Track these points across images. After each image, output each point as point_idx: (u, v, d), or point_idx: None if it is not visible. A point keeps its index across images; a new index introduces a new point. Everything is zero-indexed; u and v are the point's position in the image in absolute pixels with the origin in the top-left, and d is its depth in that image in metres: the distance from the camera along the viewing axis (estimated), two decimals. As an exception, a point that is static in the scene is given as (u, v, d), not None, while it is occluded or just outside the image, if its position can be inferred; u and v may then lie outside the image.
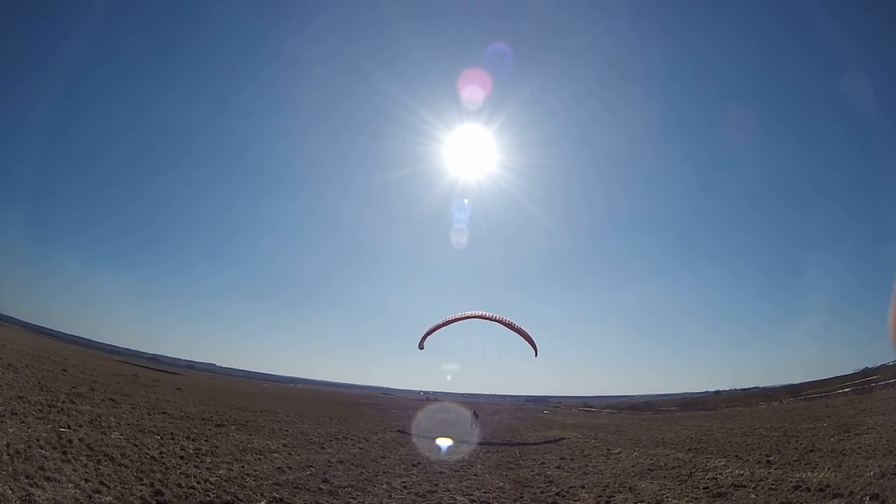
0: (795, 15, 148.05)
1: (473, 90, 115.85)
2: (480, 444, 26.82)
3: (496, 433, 35.41)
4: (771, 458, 16.33)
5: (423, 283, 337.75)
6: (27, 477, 8.26)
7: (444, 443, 14.19)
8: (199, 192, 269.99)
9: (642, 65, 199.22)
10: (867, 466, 12.85)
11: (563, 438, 30.23)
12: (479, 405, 70.84)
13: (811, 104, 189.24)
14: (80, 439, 12.25)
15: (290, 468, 14.00)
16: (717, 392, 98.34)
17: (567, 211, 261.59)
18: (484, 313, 32.40)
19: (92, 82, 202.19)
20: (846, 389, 52.02)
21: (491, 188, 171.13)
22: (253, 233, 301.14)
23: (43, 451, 10.15)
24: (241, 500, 9.78)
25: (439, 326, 32.79)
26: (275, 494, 10.68)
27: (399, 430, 31.12)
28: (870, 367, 61.67)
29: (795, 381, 71.68)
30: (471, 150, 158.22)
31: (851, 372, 64.09)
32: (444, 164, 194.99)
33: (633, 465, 17.50)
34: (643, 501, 12.00)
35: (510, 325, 32.28)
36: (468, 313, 32.47)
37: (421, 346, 33.79)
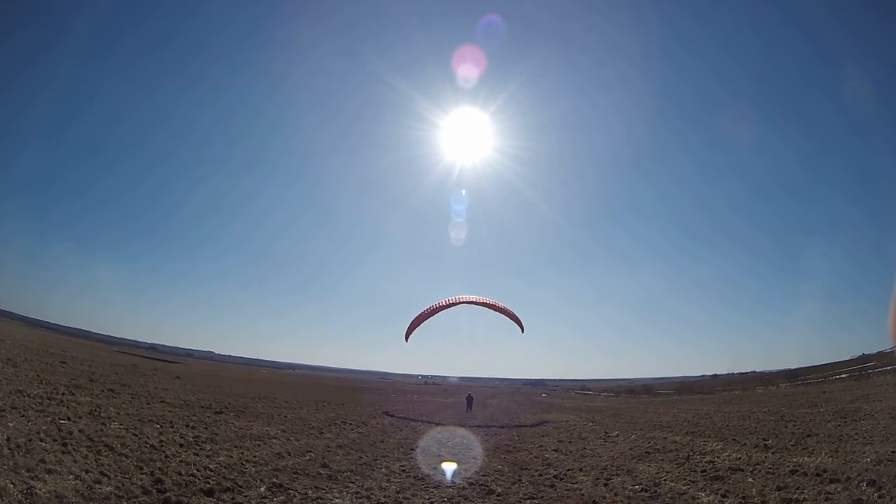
0: (794, 2, 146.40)
1: (468, 68, 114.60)
2: (479, 426, 27.03)
3: (494, 416, 35.68)
4: (768, 443, 16.44)
5: (420, 268, 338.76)
6: (28, 470, 8.25)
7: (449, 467, 14.25)
8: (194, 181, 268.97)
9: (640, 50, 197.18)
10: (864, 452, 12.92)
11: (548, 422, 30.47)
12: (477, 388, 71.34)
13: (810, 92, 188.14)
14: (80, 430, 12.25)
15: (289, 454, 14.05)
16: (715, 376, 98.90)
17: (564, 195, 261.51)
18: (467, 297, 32.55)
19: (88, 71, 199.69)
20: (843, 375, 52.26)
21: (487, 173, 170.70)
22: (249, 220, 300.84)
23: (43, 444, 10.15)
24: (241, 487, 9.79)
25: (424, 318, 32.70)
26: (274, 480, 10.70)
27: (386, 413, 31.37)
28: (867, 353, 61.87)
29: (793, 366, 71.93)
30: (467, 134, 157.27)
31: (849, 358, 64.35)
32: (441, 149, 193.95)
33: (630, 448, 17.65)
34: (641, 484, 12.07)
35: (494, 306, 32.63)
36: (451, 300, 32.50)
37: (406, 340, 34.03)
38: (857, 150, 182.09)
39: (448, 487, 11.69)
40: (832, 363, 64.42)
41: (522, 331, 34.14)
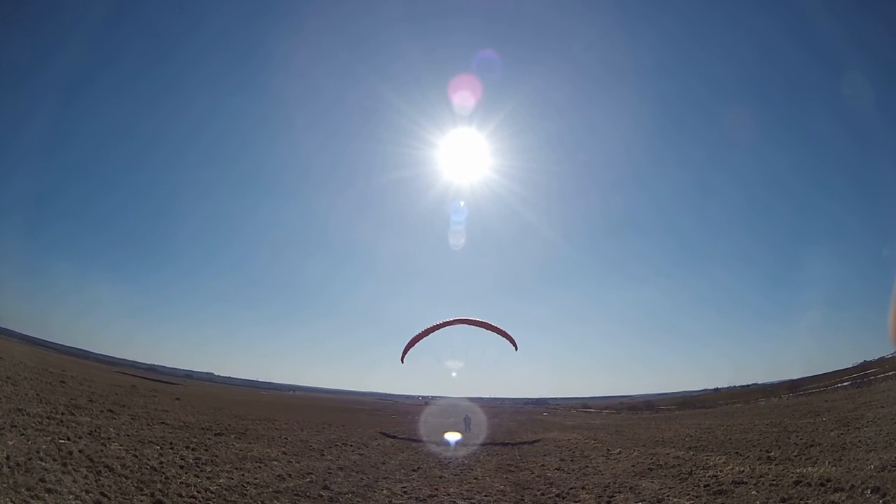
0: (790, 12, 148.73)
1: (464, 96, 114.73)
2: (481, 445, 26.85)
3: (496, 436, 35.40)
4: (771, 454, 16.38)
5: (418, 288, 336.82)
6: (28, 489, 8.24)
7: (452, 437, 14.14)
8: (193, 201, 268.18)
9: (636, 66, 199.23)
10: (868, 460, 12.90)
11: (549, 440, 30.25)
12: (479, 408, 70.75)
13: (808, 102, 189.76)
14: (79, 451, 12.19)
15: (290, 476, 13.98)
16: (717, 390, 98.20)
17: (562, 213, 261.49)
18: (461, 318, 33.63)
19: (86, 91, 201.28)
20: (845, 383, 52.10)
21: (485, 192, 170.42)
22: (248, 241, 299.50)
23: (43, 463, 10.11)
24: (243, 509, 9.77)
25: (419, 338, 33.78)
26: (275, 502, 10.68)
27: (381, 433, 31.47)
28: (868, 360, 61.77)
29: (794, 377, 71.65)
30: (464, 154, 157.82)
31: (850, 365, 64.21)
32: (438, 169, 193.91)
33: (633, 465, 17.54)
34: (644, 501, 12.05)
35: (486, 325, 33.67)
36: (446, 321, 33.54)
37: (402, 360, 35.07)
38: (856, 158, 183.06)
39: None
40: (834, 372, 64.29)
41: (516, 348, 34.95)
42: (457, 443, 12.95)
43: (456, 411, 57.40)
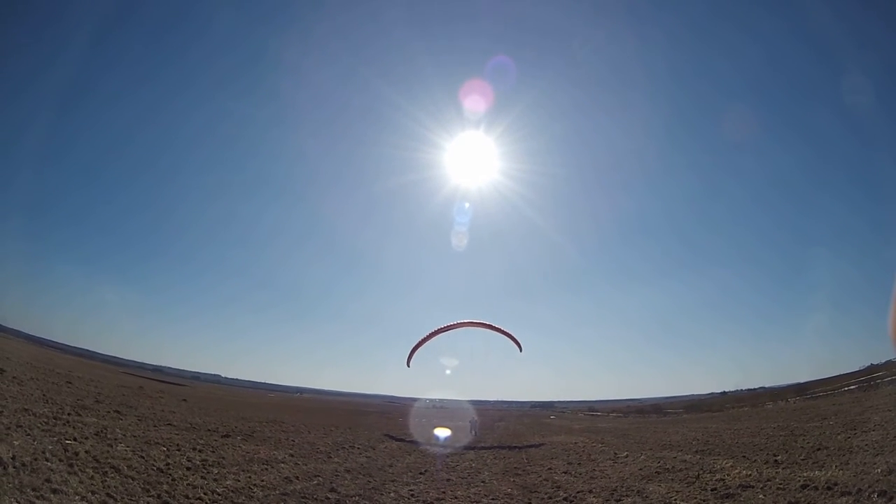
0: (795, 14, 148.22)
1: (475, 100, 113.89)
2: (488, 448, 26.81)
3: (502, 439, 35.31)
4: (778, 458, 16.27)
5: (425, 291, 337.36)
6: (33, 489, 8.28)
7: (441, 432, 14.14)
8: (200, 204, 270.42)
9: (644, 69, 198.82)
10: (875, 463, 12.82)
11: (556, 444, 30.11)
12: (485, 411, 70.62)
13: (812, 101, 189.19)
14: (86, 451, 12.26)
15: (297, 478, 13.98)
16: (724, 393, 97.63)
17: (569, 216, 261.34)
18: (466, 321, 34.01)
19: (93, 94, 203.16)
20: (852, 387, 51.74)
21: (493, 195, 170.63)
22: (256, 243, 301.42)
23: (49, 464, 10.17)
24: (249, 510, 9.78)
25: (424, 341, 34.22)
26: (282, 504, 10.68)
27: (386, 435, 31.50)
28: (875, 363, 61.36)
29: (802, 380, 71.36)
30: (472, 157, 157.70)
31: (857, 369, 63.89)
32: (446, 172, 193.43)
33: (640, 469, 17.44)
34: (651, 504, 11.99)
35: (491, 327, 34.12)
36: (450, 324, 33.91)
37: (408, 364, 35.45)
38: (860, 158, 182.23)
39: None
40: (841, 375, 63.99)
41: (521, 350, 35.32)
42: (446, 438, 12.99)
43: (463, 415, 57.22)
